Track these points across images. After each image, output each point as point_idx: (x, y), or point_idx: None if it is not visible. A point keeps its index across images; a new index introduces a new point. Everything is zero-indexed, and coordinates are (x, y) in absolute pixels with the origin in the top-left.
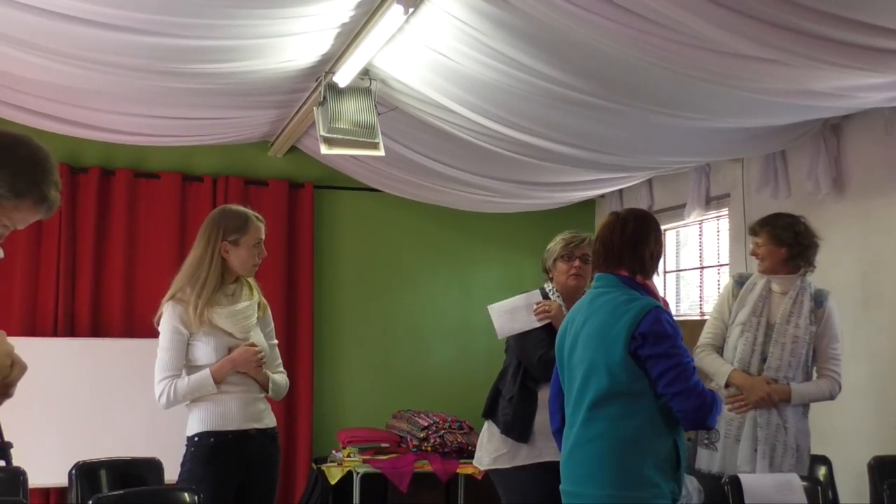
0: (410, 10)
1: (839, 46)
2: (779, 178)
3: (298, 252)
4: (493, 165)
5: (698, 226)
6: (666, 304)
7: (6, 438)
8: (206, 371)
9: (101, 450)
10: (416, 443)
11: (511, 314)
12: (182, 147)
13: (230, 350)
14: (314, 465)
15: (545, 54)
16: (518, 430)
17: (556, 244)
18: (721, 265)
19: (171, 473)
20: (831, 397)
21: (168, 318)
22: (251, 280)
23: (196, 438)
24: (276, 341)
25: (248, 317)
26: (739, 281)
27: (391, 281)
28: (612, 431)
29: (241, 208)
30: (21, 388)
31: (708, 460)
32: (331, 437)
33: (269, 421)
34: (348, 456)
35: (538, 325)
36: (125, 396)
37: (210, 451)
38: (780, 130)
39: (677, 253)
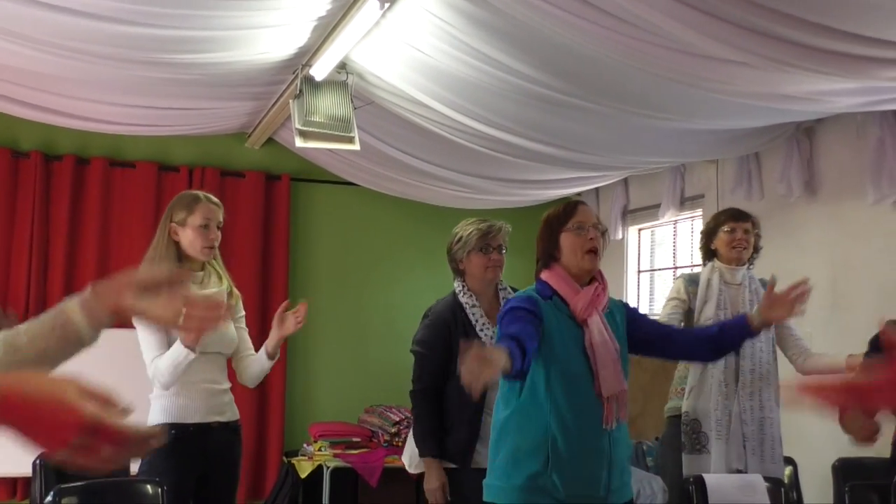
0: (387, 4)
1: (808, 51)
2: (752, 180)
3: (273, 244)
4: (468, 162)
5: (672, 226)
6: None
7: None
8: (177, 340)
9: None
10: (387, 437)
11: None
12: (158, 137)
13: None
14: (285, 459)
15: (521, 52)
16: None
17: (467, 235)
18: (694, 265)
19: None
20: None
21: None
22: (219, 268)
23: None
24: (246, 329)
25: None
26: (691, 279)
27: (366, 275)
28: None
29: (196, 192)
30: None
31: (698, 466)
32: (303, 430)
33: (232, 414)
34: (319, 450)
35: None
36: (97, 384)
37: (170, 443)
38: (754, 133)
39: (652, 253)
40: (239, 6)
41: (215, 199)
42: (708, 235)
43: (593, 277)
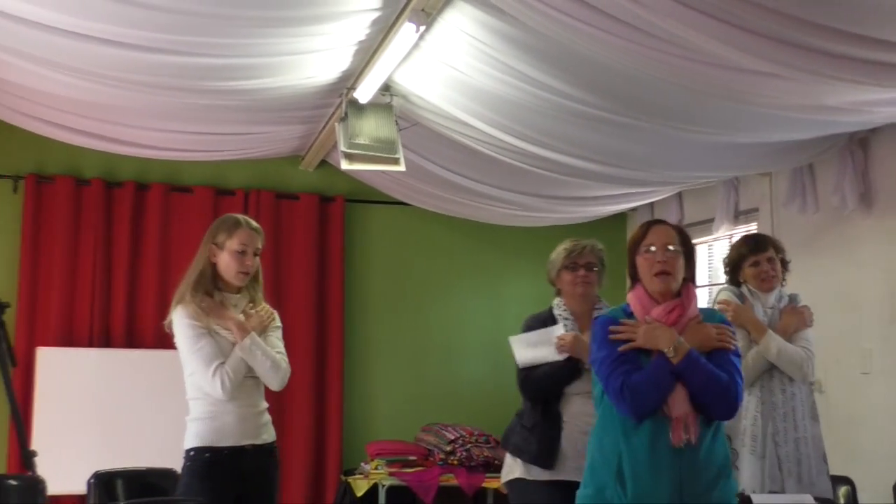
0: (422, 27)
1: (844, 61)
2: (806, 192)
3: (329, 265)
4: (514, 179)
5: (728, 240)
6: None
7: (32, 447)
8: (236, 346)
9: (131, 459)
10: (442, 456)
11: (533, 348)
12: (215, 161)
13: None
14: (343, 477)
15: (557, 70)
16: (544, 458)
17: (557, 254)
18: None
19: None
20: (802, 371)
21: (180, 319)
22: (256, 292)
23: (192, 453)
24: (279, 339)
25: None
26: (738, 294)
27: (421, 294)
28: None
29: (239, 216)
30: (55, 396)
31: None
32: (360, 449)
33: (268, 436)
34: (375, 468)
35: (560, 357)
36: (157, 406)
37: (205, 466)
38: (806, 144)
39: (709, 267)
40: (282, 33)
41: (255, 225)
42: (732, 267)
43: (678, 295)
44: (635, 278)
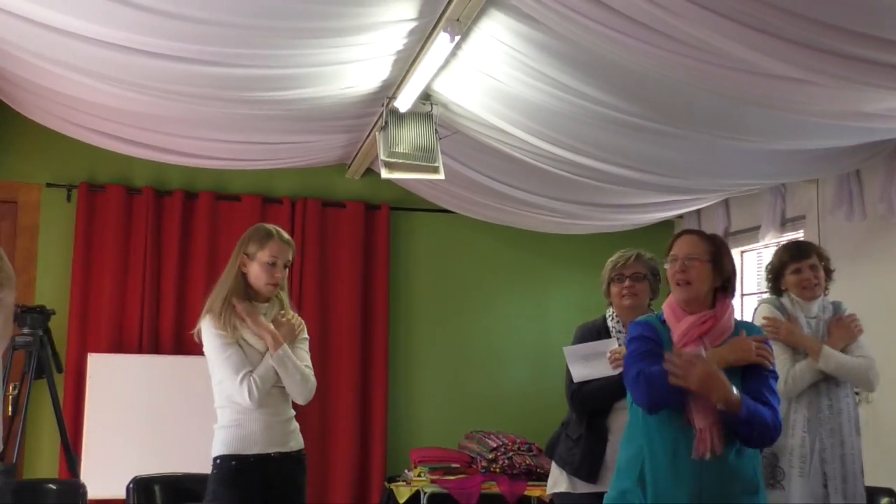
0: (457, 37)
1: (876, 67)
2: (853, 199)
3: (374, 272)
4: (556, 187)
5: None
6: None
7: (83, 451)
8: (267, 355)
9: (178, 464)
10: (484, 463)
11: (586, 360)
12: (262, 170)
13: None
14: (386, 484)
15: (591, 78)
16: (587, 470)
17: (605, 268)
18: None
19: None
20: (868, 380)
21: (208, 329)
22: (284, 298)
23: (218, 461)
24: (306, 351)
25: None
26: (776, 305)
27: (466, 302)
28: None
29: (273, 227)
30: (106, 402)
31: (773, 500)
32: (404, 456)
33: (295, 444)
34: (418, 475)
35: (614, 372)
36: (203, 411)
37: (232, 473)
38: (851, 151)
39: (758, 275)
40: (321, 44)
41: (287, 238)
42: (774, 275)
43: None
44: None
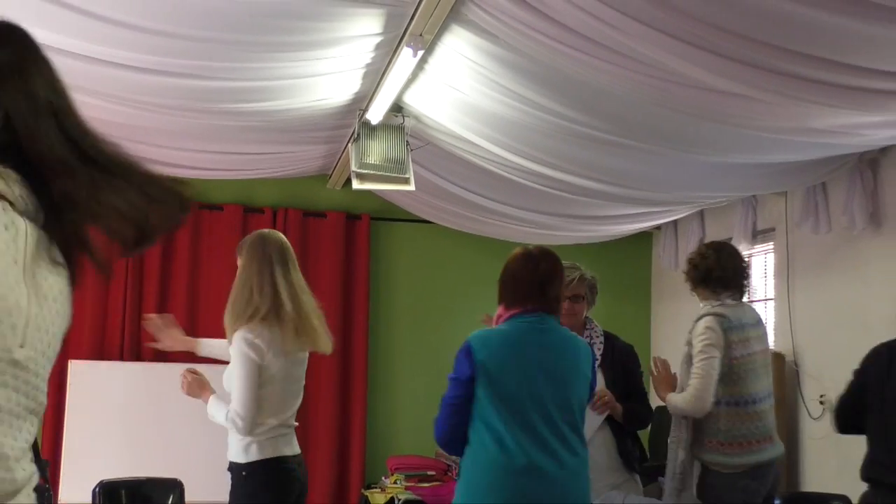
0: (420, 51)
1: (818, 86)
2: (819, 212)
3: (354, 281)
4: (529, 198)
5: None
6: None
7: (62, 457)
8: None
9: (157, 470)
10: (459, 471)
11: None
12: (244, 180)
13: None
14: (363, 491)
15: (553, 93)
16: None
17: None
18: (767, 299)
19: (193, 494)
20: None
21: None
22: None
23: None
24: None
25: None
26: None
27: (445, 311)
28: None
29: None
30: (86, 408)
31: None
32: (382, 463)
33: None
34: (394, 482)
35: (602, 417)
36: (186, 418)
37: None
38: (816, 164)
39: None
40: (292, 57)
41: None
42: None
43: None
44: None
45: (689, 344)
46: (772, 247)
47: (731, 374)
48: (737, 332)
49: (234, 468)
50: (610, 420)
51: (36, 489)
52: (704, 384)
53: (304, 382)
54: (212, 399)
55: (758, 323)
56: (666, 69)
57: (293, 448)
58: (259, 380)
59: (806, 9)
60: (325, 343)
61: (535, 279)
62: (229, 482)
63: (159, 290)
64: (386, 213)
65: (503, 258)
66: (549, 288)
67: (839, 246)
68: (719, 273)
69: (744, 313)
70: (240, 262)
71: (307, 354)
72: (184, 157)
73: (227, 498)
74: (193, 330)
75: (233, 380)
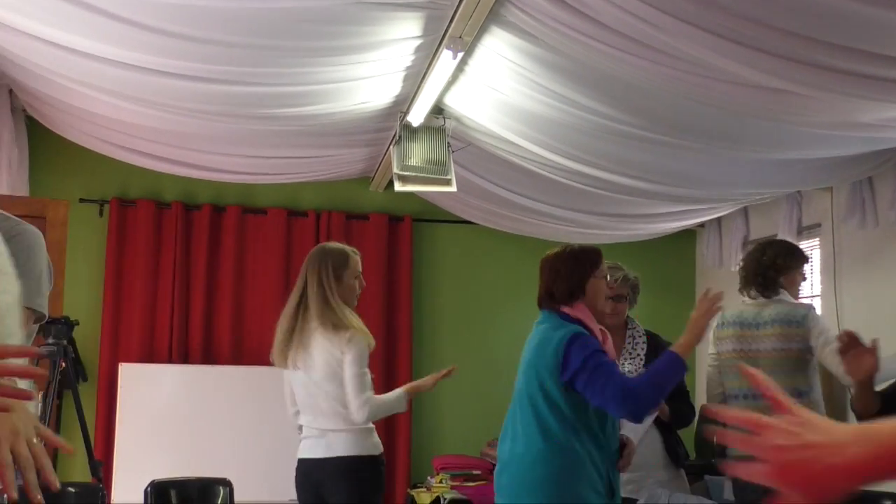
0: (460, 53)
1: (863, 80)
2: (866, 207)
3: (398, 283)
4: (570, 197)
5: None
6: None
7: (114, 459)
8: (400, 391)
9: (206, 471)
10: None
11: None
12: (287, 184)
13: None
14: (409, 491)
15: (593, 91)
16: None
17: None
18: (813, 296)
19: (242, 494)
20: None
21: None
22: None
23: (378, 458)
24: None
25: None
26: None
27: (488, 311)
28: None
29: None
30: (137, 410)
31: None
32: (428, 463)
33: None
34: (440, 482)
35: (652, 417)
36: (233, 420)
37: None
38: (861, 159)
39: None
40: (333, 61)
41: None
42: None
43: None
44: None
45: None
46: (818, 243)
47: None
48: (719, 329)
49: (366, 461)
50: (656, 418)
51: (90, 488)
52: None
53: None
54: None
55: (771, 322)
56: (707, 66)
57: None
58: None
59: (848, 2)
60: None
61: None
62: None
63: (206, 293)
64: (428, 215)
65: None
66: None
67: (887, 241)
68: (742, 273)
69: (749, 311)
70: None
71: None
72: (228, 162)
73: (274, 497)
74: (239, 333)
75: (354, 373)
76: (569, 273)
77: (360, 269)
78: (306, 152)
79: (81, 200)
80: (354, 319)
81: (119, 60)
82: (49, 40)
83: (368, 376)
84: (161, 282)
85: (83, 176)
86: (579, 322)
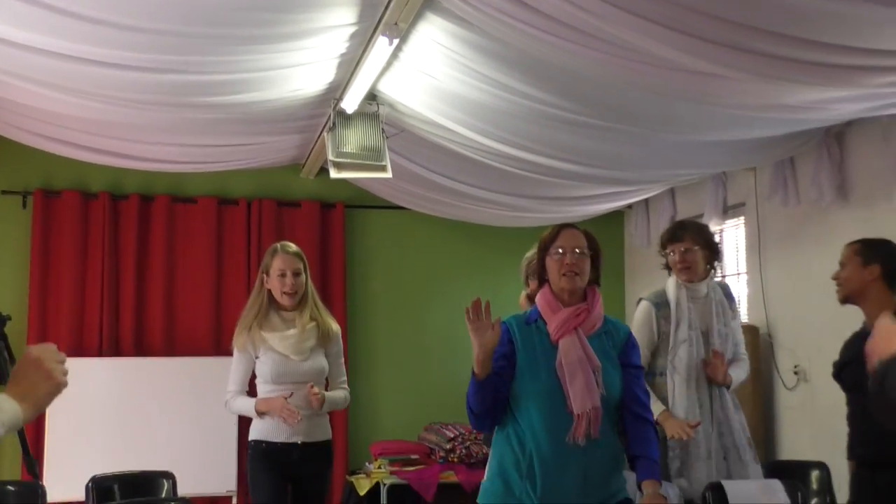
0: (396, 40)
1: (789, 63)
2: (788, 185)
3: (331, 269)
4: (501, 181)
5: (718, 235)
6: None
7: (45, 455)
8: (253, 401)
9: (141, 464)
10: (442, 454)
11: None
12: (217, 172)
13: (287, 373)
14: (348, 477)
15: (527, 76)
16: None
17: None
18: (739, 273)
19: (182, 487)
20: (747, 376)
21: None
22: (314, 308)
23: (252, 443)
24: (342, 360)
25: (302, 341)
26: (657, 301)
27: (422, 295)
28: None
29: (277, 243)
30: (67, 405)
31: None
32: (365, 449)
33: (321, 434)
34: (378, 468)
35: None
36: (166, 412)
37: (262, 455)
38: (784, 139)
39: None
40: (266, 49)
41: (292, 249)
42: (665, 256)
43: (584, 297)
44: (543, 279)
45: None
46: (742, 221)
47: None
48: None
49: (329, 446)
50: None
51: (29, 486)
52: None
53: None
54: (329, 394)
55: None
56: (637, 50)
57: None
58: None
59: None
60: None
61: None
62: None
63: (136, 284)
64: (360, 201)
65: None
66: None
67: (808, 218)
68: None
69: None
70: (304, 268)
71: None
72: (157, 151)
73: (216, 489)
74: (171, 323)
75: (340, 363)
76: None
77: (286, 269)
78: (237, 140)
79: (3, 192)
80: None
81: (43, 48)
82: None
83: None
84: (89, 274)
85: (4, 167)
86: (536, 309)
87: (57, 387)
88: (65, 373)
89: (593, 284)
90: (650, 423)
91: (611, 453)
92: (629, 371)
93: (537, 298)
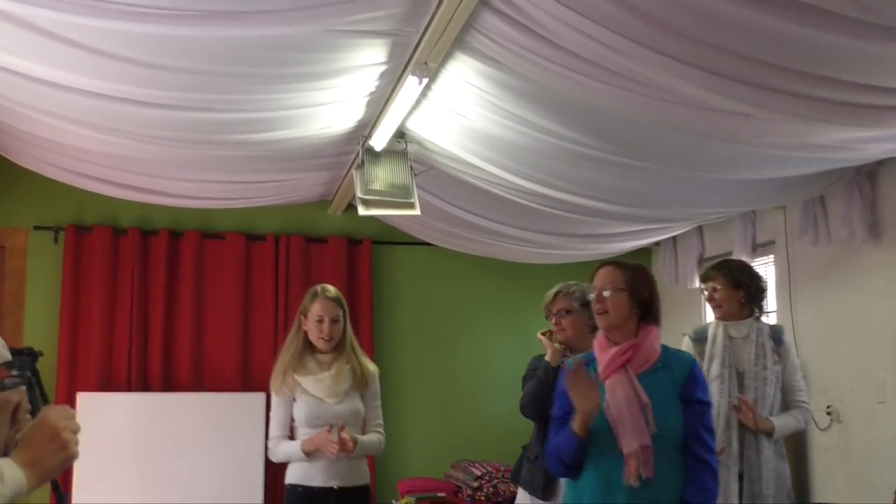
0: (425, 79)
1: (818, 103)
2: (818, 224)
3: (358, 305)
4: (530, 219)
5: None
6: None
7: (74, 490)
8: (298, 444)
9: (168, 499)
10: (469, 492)
11: None
12: (245, 208)
13: (321, 416)
14: None
15: (556, 115)
16: (542, 487)
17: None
18: (769, 312)
19: None
20: (805, 425)
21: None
22: (354, 352)
23: (289, 487)
24: (378, 402)
25: (336, 384)
26: (696, 337)
27: (449, 332)
28: None
29: (319, 286)
30: (96, 440)
31: None
32: (392, 487)
33: (358, 479)
34: None
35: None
36: (193, 447)
37: (298, 499)
38: (814, 178)
39: None
40: (296, 88)
41: (332, 294)
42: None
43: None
44: None
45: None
46: (772, 259)
47: None
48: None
49: (366, 491)
50: None
51: None
52: None
53: None
54: (361, 438)
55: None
56: (666, 89)
57: None
58: None
59: (803, 28)
60: None
61: None
62: None
63: (164, 320)
64: (387, 237)
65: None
66: None
67: (839, 258)
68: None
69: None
70: (344, 314)
71: None
72: (186, 187)
73: None
74: (199, 359)
75: (376, 406)
76: None
77: (324, 315)
78: (266, 177)
79: (35, 228)
80: None
81: (73, 87)
82: (2, 66)
83: (273, 419)
84: (118, 309)
85: (37, 203)
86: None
87: (69, 459)
88: (77, 443)
89: (646, 320)
90: (709, 467)
91: (669, 496)
92: (691, 406)
93: (595, 339)
